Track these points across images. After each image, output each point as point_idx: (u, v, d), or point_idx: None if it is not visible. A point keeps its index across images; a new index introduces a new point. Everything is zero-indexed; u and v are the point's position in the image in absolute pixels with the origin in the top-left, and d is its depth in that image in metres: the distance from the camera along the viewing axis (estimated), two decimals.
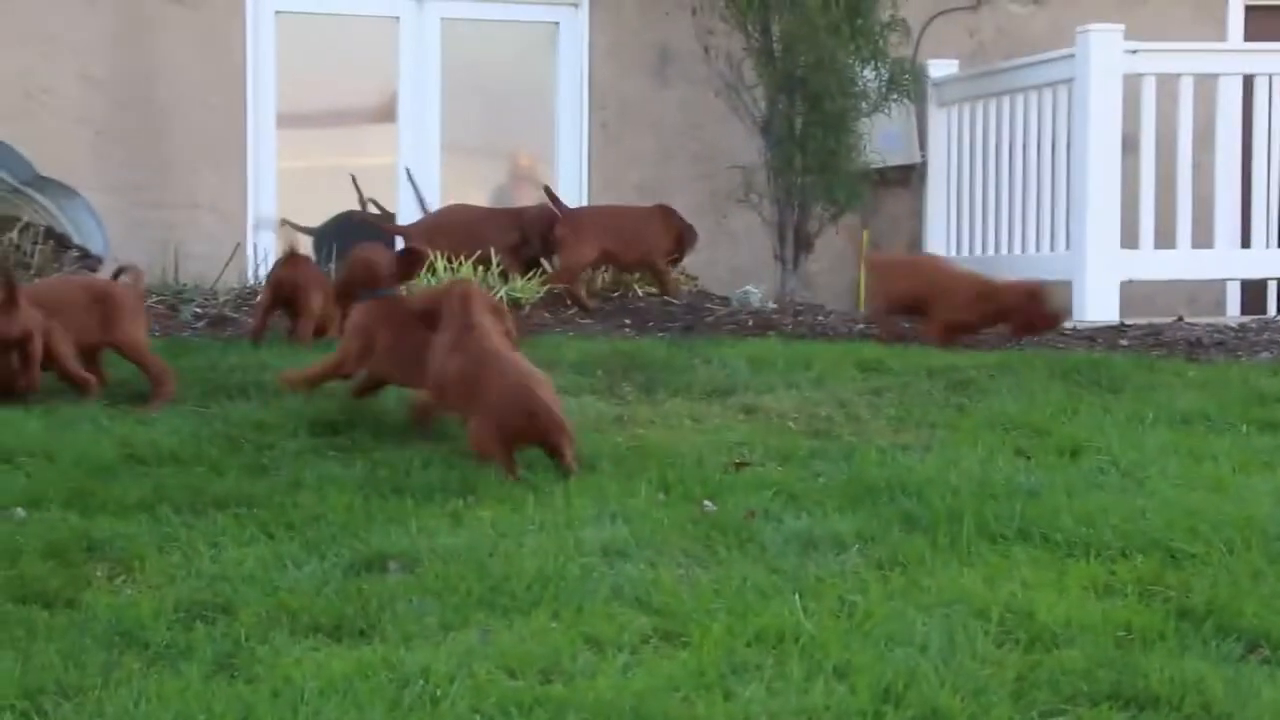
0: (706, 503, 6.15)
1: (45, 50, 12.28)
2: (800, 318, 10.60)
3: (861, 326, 10.39)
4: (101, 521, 5.87)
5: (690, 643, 4.80)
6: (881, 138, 12.53)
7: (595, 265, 11.17)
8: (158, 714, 4.22)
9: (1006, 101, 12.08)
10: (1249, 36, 13.61)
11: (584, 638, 4.84)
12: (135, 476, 6.49)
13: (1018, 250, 11.85)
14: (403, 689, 4.45)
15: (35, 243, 10.30)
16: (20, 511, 5.99)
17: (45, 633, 4.86)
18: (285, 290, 9.20)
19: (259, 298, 9.58)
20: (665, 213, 11.23)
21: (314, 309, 9.16)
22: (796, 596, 5.18)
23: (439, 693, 4.43)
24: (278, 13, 12.84)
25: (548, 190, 11.32)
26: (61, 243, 10.82)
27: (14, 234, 10.33)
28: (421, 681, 4.50)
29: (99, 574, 5.39)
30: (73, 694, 4.43)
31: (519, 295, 10.47)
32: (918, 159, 12.91)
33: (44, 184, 11.32)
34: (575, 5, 13.15)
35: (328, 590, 5.21)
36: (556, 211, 11.10)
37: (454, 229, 11.28)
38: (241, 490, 6.30)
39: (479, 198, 13.17)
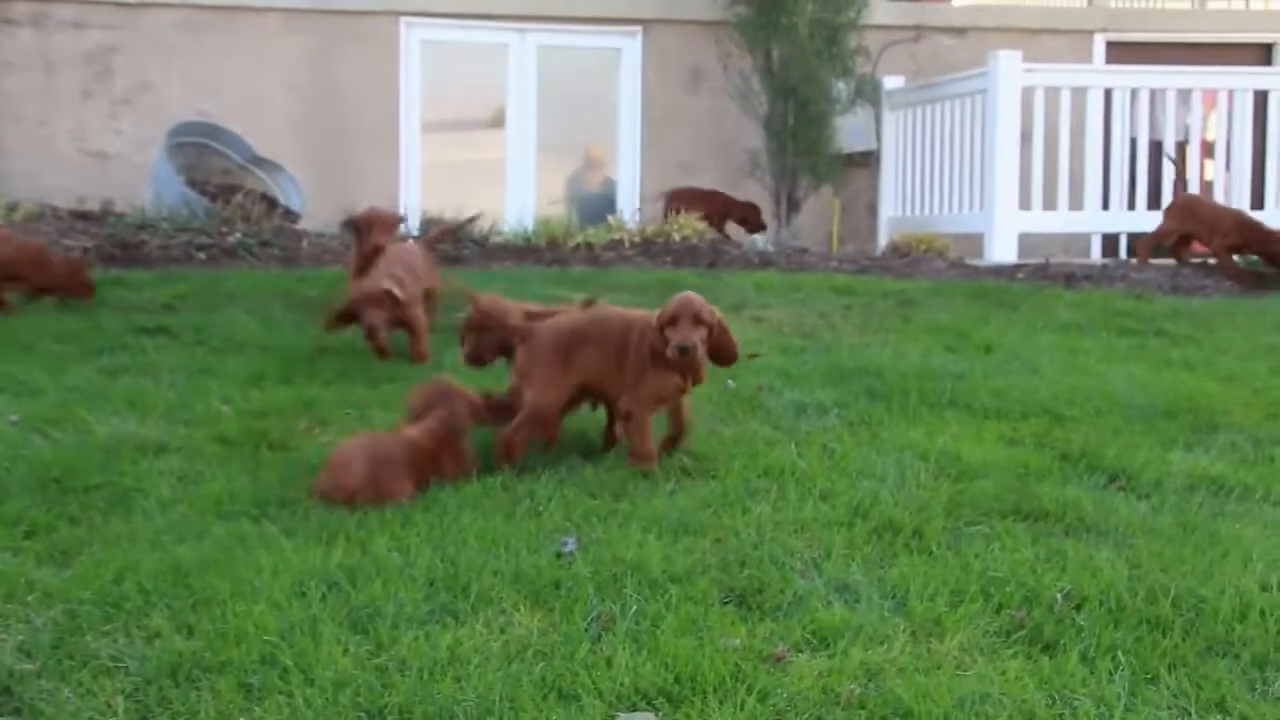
0: (729, 381, 6.11)
1: (260, 73, 12.27)
2: (791, 257, 10.52)
3: (835, 263, 10.30)
4: (307, 391, 5.89)
5: (717, 476, 4.79)
6: (849, 131, 12.45)
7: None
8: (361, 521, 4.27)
9: (938, 106, 11.93)
10: (1109, 63, 13.47)
11: (634, 473, 4.81)
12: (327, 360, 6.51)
13: (946, 211, 11.73)
14: (515, 506, 4.46)
15: (255, 203, 10.29)
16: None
17: (268, 464, 4.91)
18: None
19: None
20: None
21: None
22: (793, 445, 5.17)
23: (540, 508, 4.44)
24: (422, 41, 12.78)
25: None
26: (272, 204, 10.81)
27: (240, 196, 10.32)
28: (527, 501, 4.51)
29: (302, 426, 5.41)
30: (289, 505, 4.47)
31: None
32: (875, 147, 12.79)
33: (260, 161, 11.33)
34: (632, 35, 13.03)
35: None
36: None
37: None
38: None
39: (558, 181, 13.17)
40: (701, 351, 4.80)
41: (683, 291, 4.92)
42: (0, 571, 3.87)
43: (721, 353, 4.91)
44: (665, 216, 11.48)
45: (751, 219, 12.15)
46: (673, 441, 5.04)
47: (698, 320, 4.78)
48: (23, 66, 12.10)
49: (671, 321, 4.78)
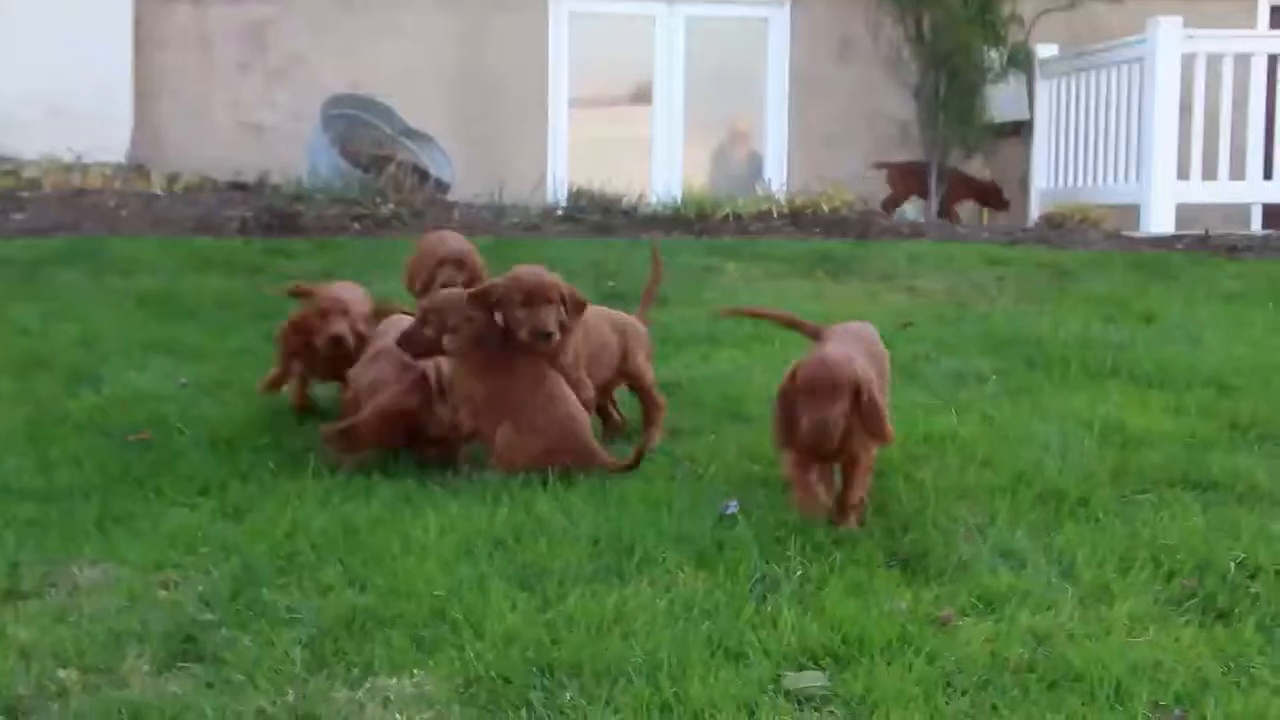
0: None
1: (411, 45, 12.44)
2: (942, 229, 10.40)
3: (987, 234, 10.15)
4: None
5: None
6: (1001, 100, 12.27)
7: None
8: (525, 482, 4.34)
9: (1094, 74, 11.69)
10: (1274, 28, 13.12)
11: None
12: None
13: (1098, 182, 11.51)
14: (674, 469, 4.49)
15: (407, 175, 10.44)
16: None
17: None
18: None
19: None
20: None
21: None
22: (953, 412, 5.14)
23: (700, 472, 4.47)
24: (571, 14, 12.84)
25: None
26: (423, 175, 10.96)
27: (393, 167, 10.48)
28: (686, 464, 4.55)
29: None
30: (449, 466, 4.55)
31: None
32: (1027, 116, 12.55)
33: (412, 133, 11.48)
34: (781, 5, 12.97)
35: None
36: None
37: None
38: None
39: (704, 154, 13.14)
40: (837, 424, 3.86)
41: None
42: (180, 525, 4.01)
43: (869, 426, 3.94)
44: (891, 200, 11.42)
45: (992, 199, 12.08)
46: (840, 508, 4.05)
47: None
48: (180, 42, 12.38)
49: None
